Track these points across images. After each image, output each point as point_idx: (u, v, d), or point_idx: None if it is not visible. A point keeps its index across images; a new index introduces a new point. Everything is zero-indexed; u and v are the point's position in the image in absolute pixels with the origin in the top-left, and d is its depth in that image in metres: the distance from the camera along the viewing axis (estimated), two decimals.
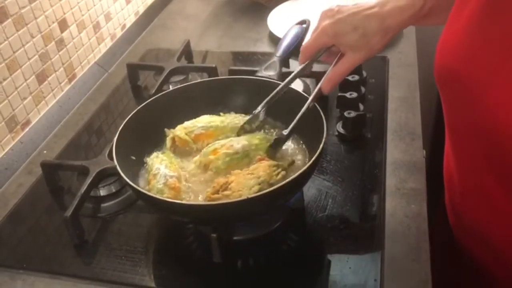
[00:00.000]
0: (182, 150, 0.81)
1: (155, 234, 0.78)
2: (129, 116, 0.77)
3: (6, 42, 0.92)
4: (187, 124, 0.81)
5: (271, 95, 0.78)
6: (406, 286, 0.67)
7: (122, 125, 0.75)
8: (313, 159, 0.66)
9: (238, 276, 0.71)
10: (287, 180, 0.63)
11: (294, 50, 0.92)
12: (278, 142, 0.76)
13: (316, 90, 0.73)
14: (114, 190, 0.84)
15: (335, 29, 0.69)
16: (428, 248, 0.72)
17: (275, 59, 0.90)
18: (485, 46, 0.61)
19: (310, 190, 0.81)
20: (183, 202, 0.67)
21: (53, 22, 1.04)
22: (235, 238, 0.74)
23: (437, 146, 0.81)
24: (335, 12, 0.70)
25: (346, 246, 0.73)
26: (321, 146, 0.67)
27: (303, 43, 0.73)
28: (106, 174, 0.83)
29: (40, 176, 0.89)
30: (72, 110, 1.08)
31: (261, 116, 0.79)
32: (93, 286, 0.71)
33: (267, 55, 1.21)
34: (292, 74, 0.77)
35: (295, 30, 0.95)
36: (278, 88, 0.77)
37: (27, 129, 0.98)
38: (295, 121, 0.73)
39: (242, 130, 0.80)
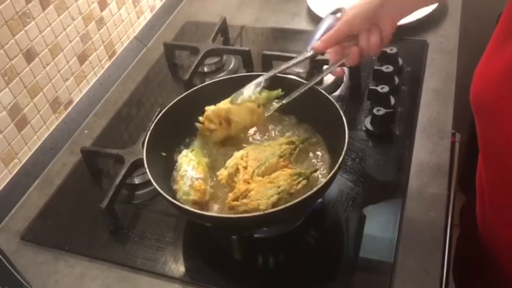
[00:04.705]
0: (212, 138, 0.84)
1: (183, 225, 0.84)
2: (158, 117, 0.81)
3: (49, 28, 0.96)
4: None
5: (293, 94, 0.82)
6: None
7: (152, 126, 0.80)
8: (329, 175, 0.68)
9: (258, 272, 0.77)
10: (303, 196, 0.66)
11: None
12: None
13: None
14: (148, 179, 0.89)
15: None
16: (441, 258, 0.74)
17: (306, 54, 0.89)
18: None
19: (332, 190, 0.83)
20: (202, 212, 0.71)
21: (93, 2, 1.07)
22: (256, 235, 0.79)
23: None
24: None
25: (360, 250, 0.76)
26: (340, 160, 0.69)
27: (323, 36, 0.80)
28: (140, 164, 0.88)
29: (81, 156, 0.96)
30: (111, 88, 1.13)
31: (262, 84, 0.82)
32: (125, 272, 0.78)
33: (304, 33, 1.20)
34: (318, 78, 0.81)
35: (328, 21, 0.93)
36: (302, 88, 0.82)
37: (69, 109, 1.04)
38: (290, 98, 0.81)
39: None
